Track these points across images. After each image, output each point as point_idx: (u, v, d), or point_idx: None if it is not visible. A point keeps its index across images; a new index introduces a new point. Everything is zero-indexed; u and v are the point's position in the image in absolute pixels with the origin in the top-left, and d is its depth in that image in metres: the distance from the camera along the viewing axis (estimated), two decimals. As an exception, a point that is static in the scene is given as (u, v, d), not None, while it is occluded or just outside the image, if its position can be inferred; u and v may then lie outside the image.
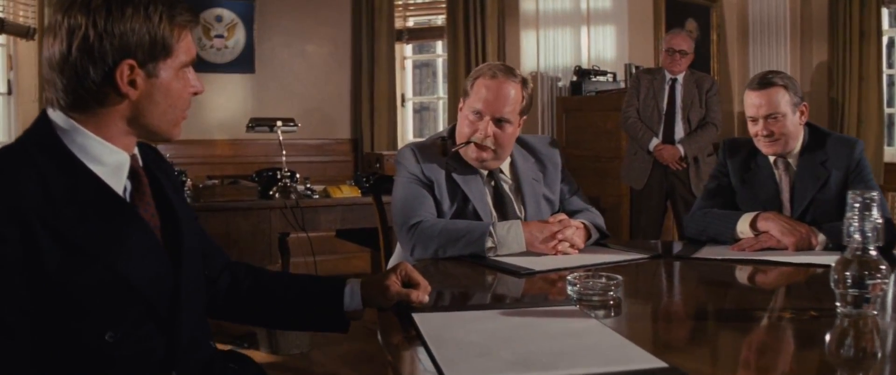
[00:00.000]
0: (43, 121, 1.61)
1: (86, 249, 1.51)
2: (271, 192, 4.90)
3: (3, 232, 1.44)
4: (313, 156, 7.90)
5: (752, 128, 3.07)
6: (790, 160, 3.10)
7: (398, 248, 2.95)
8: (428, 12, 8.41)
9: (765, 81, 3.04)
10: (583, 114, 6.89)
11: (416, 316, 1.81)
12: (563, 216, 2.75)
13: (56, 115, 1.60)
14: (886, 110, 7.57)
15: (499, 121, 2.81)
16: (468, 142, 2.83)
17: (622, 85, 7.16)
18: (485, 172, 2.93)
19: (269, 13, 7.89)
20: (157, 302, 1.63)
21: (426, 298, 1.95)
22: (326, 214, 4.95)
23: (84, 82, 1.55)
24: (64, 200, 1.51)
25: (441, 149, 2.91)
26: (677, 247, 3.01)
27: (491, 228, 2.68)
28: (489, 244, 2.66)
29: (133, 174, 1.67)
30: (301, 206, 4.79)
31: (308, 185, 5.10)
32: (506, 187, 2.95)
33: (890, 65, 7.75)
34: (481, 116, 2.81)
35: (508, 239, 2.67)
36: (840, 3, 7.56)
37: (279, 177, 5.00)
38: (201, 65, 7.49)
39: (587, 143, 6.82)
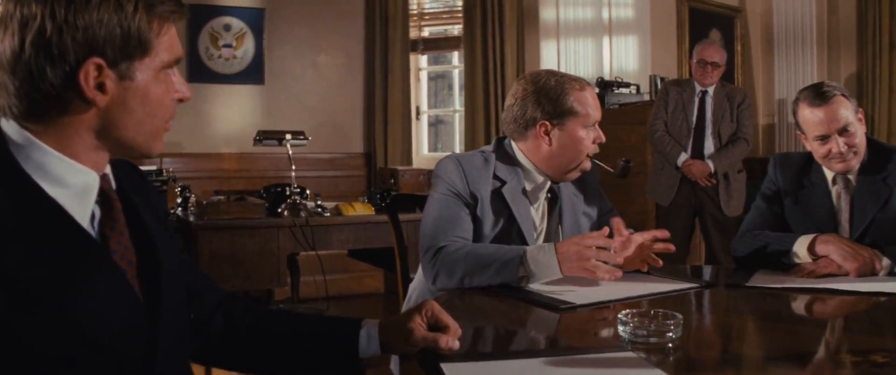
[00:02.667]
0: None
1: (39, 294, 1.22)
2: (280, 210, 4.66)
3: None
4: (324, 171, 7.65)
5: (822, 148, 2.78)
6: (850, 176, 2.83)
7: (419, 274, 2.67)
8: (444, 22, 8.15)
9: (826, 94, 2.77)
10: (605, 128, 6.42)
11: (446, 367, 1.54)
12: (616, 224, 2.54)
13: (8, 126, 1.31)
14: (918, 123, 7.34)
15: None
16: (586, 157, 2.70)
17: (646, 97, 6.91)
18: (546, 185, 2.71)
19: (279, 22, 7.66)
20: (127, 359, 1.32)
21: (456, 344, 1.66)
22: (338, 233, 4.67)
23: (40, 85, 1.26)
24: (13, 232, 1.22)
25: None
26: (707, 272, 2.81)
27: (523, 254, 2.39)
28: (521, 272, 2.36)
29: (103, 199, 1.38)
30: (311, 225, 4.53)
31: (319, 202, 4.86)
32: (561, 200, 2.75)
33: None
34: (595, 126, 2.68)
35: (541, 266, 2.37)
36: (869, 11, 7.35)
37: (288, 193, 4.76)
38: (209, 75, 7.32)
39: (610, 158, 6.51)
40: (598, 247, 2.36)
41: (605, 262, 2.36)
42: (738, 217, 5.64)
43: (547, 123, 2.62)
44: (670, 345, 1.72)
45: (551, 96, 2.62)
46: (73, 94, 1.28)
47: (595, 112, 2.65)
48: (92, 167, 1.35)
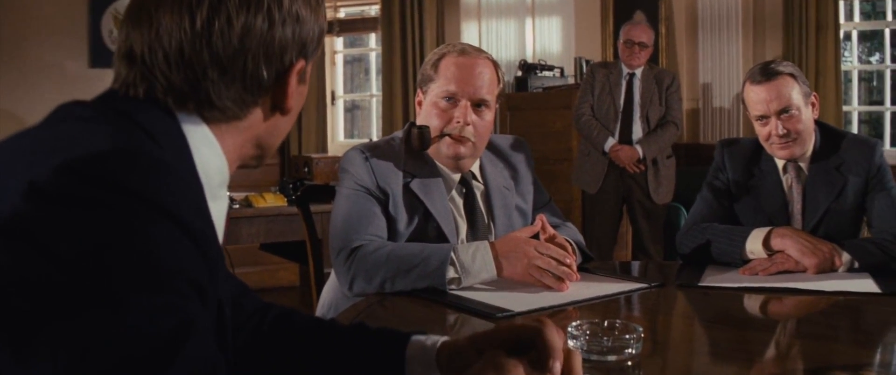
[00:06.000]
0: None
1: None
2: (184, 201, 4.31)
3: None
4: (234, 159, 7.27)
5: (762, 130, 2.59)
6: (802, 164, 2.63)
7: (332, 279, 2.35)
8: (360, 2, 7.78)
9: (770, 71, 2.57)
10: (529, 113, 6.34)
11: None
12: (541, 223, 2.17)
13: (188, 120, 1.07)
14: (844, 108, 7.23)
15: (477, 106, 2.30)
16: (443, 135, 2.29)
17: (571, 80, 6.68)
18: (456, 177, 2.37)
19: (185, 2, 7.22)
20: None
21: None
22: (248, 227, 4.33)
23: (247, 85, 1.04)
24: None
25: (418, 142, 2.30)
26: (635, 267, 2.68)
27: (453, 254, 2.08)
28: (451, 274, 2.06)
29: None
30: (218, 217, 4.18)
31: (228, 193, 4.51)
32: (479, 195, 2.41)
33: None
34: (456, 101, 2.28)
35: (475, 267, 2.07)
36: (795, -7, 7.22)
37: (193, 183, 4.41)
38: (108, 58, 6.84)
39: (534, 144, 6.24)
40: (548, 255, 2.06)
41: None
42: (666, 204, 5.47)
43: (419, 91, 2.35)
44: (629, 363, 1.46)
45: (429, 60, 2.33)
46: (266, 99, 1.07)
47: (457, 82, 2.27)
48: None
